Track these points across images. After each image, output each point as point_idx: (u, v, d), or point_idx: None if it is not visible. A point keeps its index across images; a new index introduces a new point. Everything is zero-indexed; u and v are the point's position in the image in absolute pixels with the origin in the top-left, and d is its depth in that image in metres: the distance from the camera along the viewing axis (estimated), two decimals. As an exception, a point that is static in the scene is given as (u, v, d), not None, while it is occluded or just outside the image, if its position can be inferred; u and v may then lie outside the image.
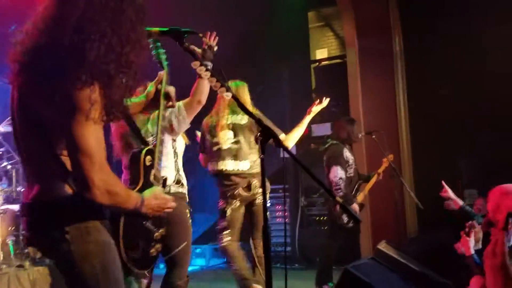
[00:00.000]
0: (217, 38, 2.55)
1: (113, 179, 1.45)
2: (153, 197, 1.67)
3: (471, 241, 2.86)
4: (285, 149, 1.94)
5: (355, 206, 4.33)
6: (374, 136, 4.66)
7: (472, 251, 2.88)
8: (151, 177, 2.09)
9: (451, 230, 4.34)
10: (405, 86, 5.77)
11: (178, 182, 2.66)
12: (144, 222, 1.92)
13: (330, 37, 6.94)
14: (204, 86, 2.60)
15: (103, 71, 1.35)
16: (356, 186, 4.53)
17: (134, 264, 1.84)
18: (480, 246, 2.91)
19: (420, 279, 3.15)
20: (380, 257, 3.22)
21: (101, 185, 1.39)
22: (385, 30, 5.70)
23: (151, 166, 2.11)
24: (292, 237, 6.36)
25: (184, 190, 2.70)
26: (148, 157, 2.11)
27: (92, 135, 1.37)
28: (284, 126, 6.75)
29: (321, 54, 6.97)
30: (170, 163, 2.61)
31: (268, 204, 6.33)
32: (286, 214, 6.44)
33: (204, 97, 2.62)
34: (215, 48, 2.53)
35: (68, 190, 1.45)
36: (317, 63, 6.87)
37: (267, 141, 1.72)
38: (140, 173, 2.07)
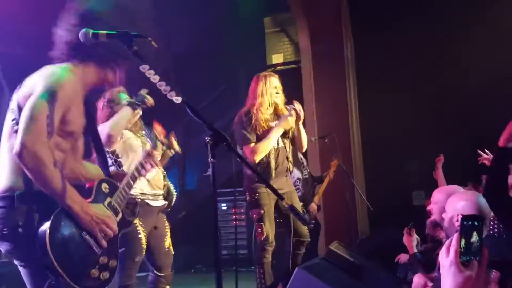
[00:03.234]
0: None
1: (45, 148, 1.62)
2: (98, 208, 1.79)
3: (414, 240, 3.02)
4: (236, 154, 1.98)
5: (313, 206, 4.43)
6: (326, 140, 4.79)
7: (415, 250, 3.04)
8: None
9: (400, 230, 4.55)
10: (356, 91, 5.98)
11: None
12: (82, 233, 1.70)
13: (286, 42, 7.08)
14: (123, 119, 2.65)
15: None
16: (311, 189, 4.64)
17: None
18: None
19: (370, 278, 3.26)
20: (331, 257, 3.30)
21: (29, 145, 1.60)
22: (337, 37, 5.89)
23: None
24: (249, 240, 6.39)
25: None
26: None
27: None
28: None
29: (276, 59, 7.09)
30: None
31: (225, 208, 6.34)
32: (236, 216, 6.44)
33: (116, 132, 2.64)
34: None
35: None
36: (273, 68, 6.98)
37: (217, 145, 1.75)
38: None
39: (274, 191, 2.05)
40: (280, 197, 1.89)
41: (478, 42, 5.55)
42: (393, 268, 3.87)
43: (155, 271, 2.90)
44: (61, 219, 1.65)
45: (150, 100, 2.74)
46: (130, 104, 2.68)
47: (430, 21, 5.73)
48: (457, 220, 2.19)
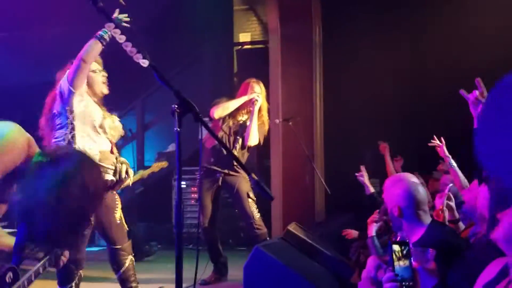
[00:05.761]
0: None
1: None
2: None
3: (374, 225, 3.09)
4: (204, 124, 1.91)
5: None
6: (290, 123, 4.79)
7: (373, 233, 3.11)
8: None
9: (355, 214, 4.67)
10: (321, 76, 6.00)
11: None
12: None
13: (254, 22, 6.97)
14: (95, 48, 2.64)
15: None
16: None
17: None
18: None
19: (324, 259, 3.33)
20: (289, 238, 3.34)
21: None
22: (306, 20, 5.86)
23: None
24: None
25: None
26: None
27: None
28: (204, 107, 6.71)
29: (244, 37, 6.98)
30: (60, 134, 2.70)
31: (184, 186, 6.25)
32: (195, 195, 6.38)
33: (90, 57, 2.64)
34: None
35: None
36: (240, 46, 6.87)
37: (185, 114, 1.67)
38: None
39: (242, 167, 1.99)
40: (247, 172, 1.84)
41: (447, 33, 5.66)
42: (346, 250, 3.97)
43: (111, 245, 2.82)
44: None
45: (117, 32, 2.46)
46: (97, 38, 2.64)
47: (400, 9, 5.80)
48: (395, 211, 2.19)
